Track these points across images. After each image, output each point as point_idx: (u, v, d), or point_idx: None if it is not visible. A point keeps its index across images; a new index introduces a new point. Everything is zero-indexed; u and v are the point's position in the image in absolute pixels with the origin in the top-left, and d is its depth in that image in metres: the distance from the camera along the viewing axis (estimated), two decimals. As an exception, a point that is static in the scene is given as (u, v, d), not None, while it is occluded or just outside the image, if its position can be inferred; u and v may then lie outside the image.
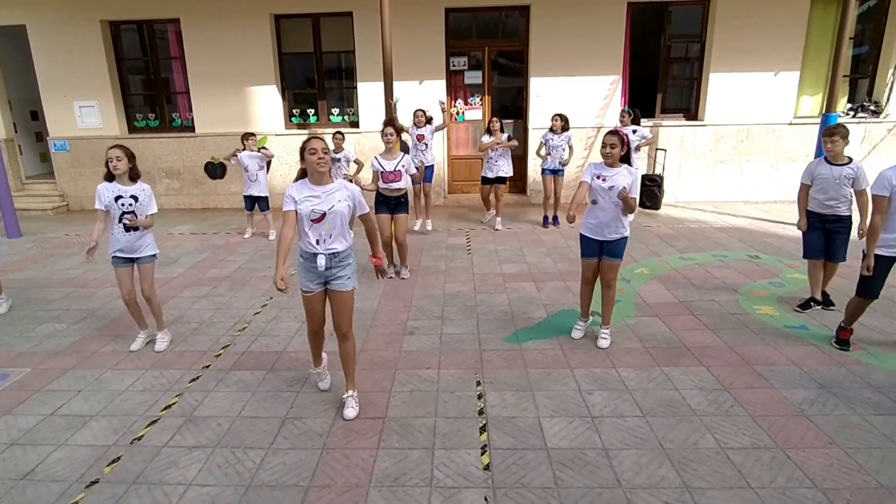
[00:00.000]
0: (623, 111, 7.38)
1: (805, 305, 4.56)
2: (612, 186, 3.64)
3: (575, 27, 8.46)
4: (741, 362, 3.69)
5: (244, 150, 7.06)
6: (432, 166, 7.44)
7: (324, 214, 2.94)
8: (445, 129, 8.29)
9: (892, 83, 8.42)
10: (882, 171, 3.56)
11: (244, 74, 8.98)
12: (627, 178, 3.66)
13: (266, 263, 6.20)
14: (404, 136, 7.07)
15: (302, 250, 3.06)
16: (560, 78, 8.68)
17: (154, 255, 4.02)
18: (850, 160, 4.31)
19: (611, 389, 3.38)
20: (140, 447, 2.91)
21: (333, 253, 3.00)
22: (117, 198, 3.78)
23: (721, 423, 3.02)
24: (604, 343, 3.95)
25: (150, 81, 9.56)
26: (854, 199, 4.26)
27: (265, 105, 9.13)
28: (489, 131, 7.24)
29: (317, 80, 9.33)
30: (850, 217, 4.31)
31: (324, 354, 3.43)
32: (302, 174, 3.05)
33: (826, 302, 4.61)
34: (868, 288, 3.69)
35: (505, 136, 7.24)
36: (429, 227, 7.47)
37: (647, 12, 8.77)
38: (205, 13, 8.74)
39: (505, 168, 7.30)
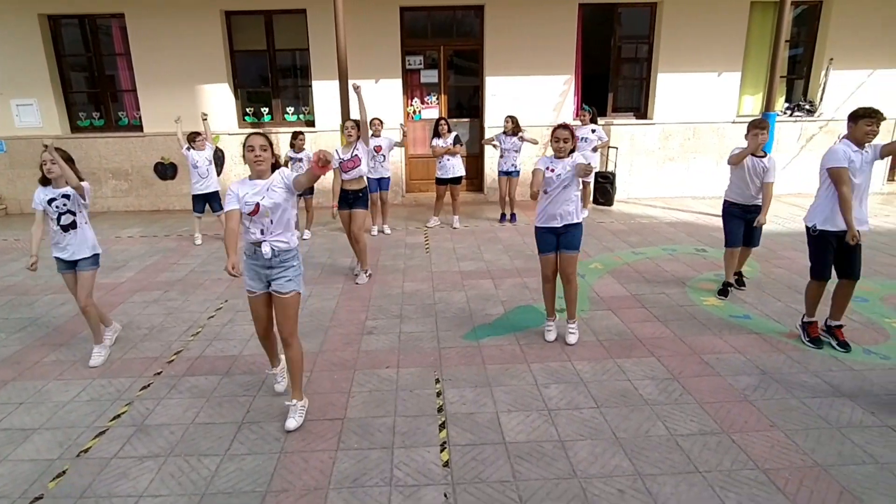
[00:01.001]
0: (582, 109, 7.56)
1: (724, 291, 4.81)
2: (560, 174, 3.73)
3: (528, 27, 8.59)
4: (689, 352, 3.84)
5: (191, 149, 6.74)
6: (388, 178, 7.39)
7: (257, 205, 2.87)
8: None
9: (825, 84, 8.90)
10: (832, 147, 3.66)
11: (194, 72, 8.72)
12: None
13: (220, 265, 6.05)
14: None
15: (246, 245, 2.99)
16: (515, 77, 8.80)
17: (95, 258, 3.79)
18: (766, 154, 4.55)
19: (566, 382, 3.47)
20: (87, 460, 2.80)
21: (278, 248, 2.93)
22: (50, 201, 3.62)
23: (671, 411, 3.14)
24: (572, 339, 3.99)
25: (94, 79, 9.16)
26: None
27: (217, 104, 8.90)
28: (437, 133, 7.27)
29: (271, 79, 9.16)
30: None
31: (281, 356, 3.38)
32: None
33: (739, 283, 5.01)
34: (819, 270, 3.80)
35: (452, 136, 7.29)
36: (387, 231, 7.44)
37: (598, 13, 8.99)
38: (151, 8, 8.45)
39: (458, 168, 7.35)
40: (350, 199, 5.39)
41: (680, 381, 3.46)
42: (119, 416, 3.19)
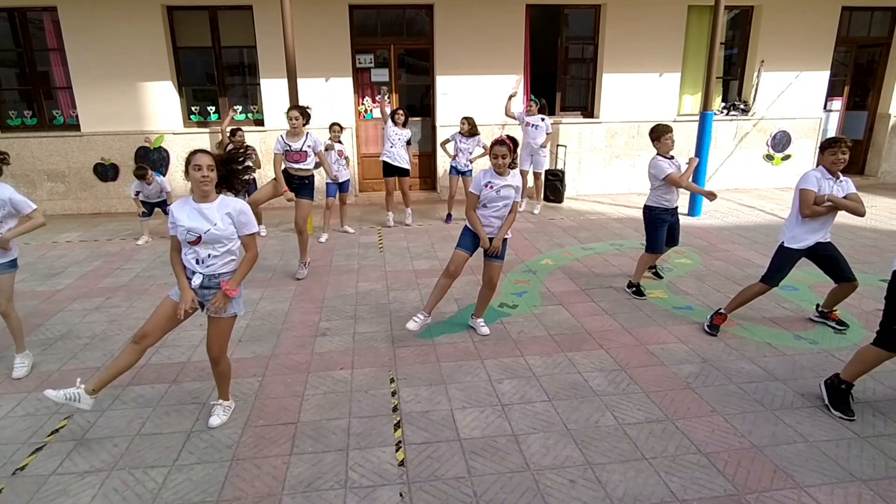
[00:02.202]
0: (530, 101, 7.69)
1: (639, 292, 4.87)
2: (500, 190, 3.78)
3: (477, 27, 8.67)
4: (636, 343, 3.99)
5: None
6: (349, 180, 7.32)
7: (199, 238, 2.76)
8: (354, 129, 8.24)
9: (757, 84, 9.38)
10: (807, 172, 3.86)
11: (135, 69, 8.36)
12: (514, 181, 3.82)
13: (167, 270, 5.85)
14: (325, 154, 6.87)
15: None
16: (465, 76, 8.86)
17: (12, 262, 3.54)
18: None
19: (519, 377, 3.54)
20: (23, 478, 2.67)
21: (212, 275, 2.84)
22: None
23: (619, 401, 3.26)
24: (485, 330, 4.15)
25: (26, 75, 8.66)
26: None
27: (160, 102, 8.57)
28: (393, 122, 7.27)
29: (217, 76, 8.90)
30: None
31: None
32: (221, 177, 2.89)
33: (657, 274, 5.32)
34: (774, 276, 3.98)
35: (406, 131, 7.34)
36: (350, 230, 7.36)
37: (545, 14, 9.16)
38: (85, 1, 8.05)
39: (404, 159, 7.34)
40: (294, 184, 5.30)
41: (627, 371, 3.59)
42: (57, 430, 3.05)
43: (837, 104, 10.16)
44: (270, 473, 2.66)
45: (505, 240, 3.93)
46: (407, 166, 7.43)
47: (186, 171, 2.79)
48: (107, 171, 8.75)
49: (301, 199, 5.33)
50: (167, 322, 2.90)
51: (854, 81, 10.24)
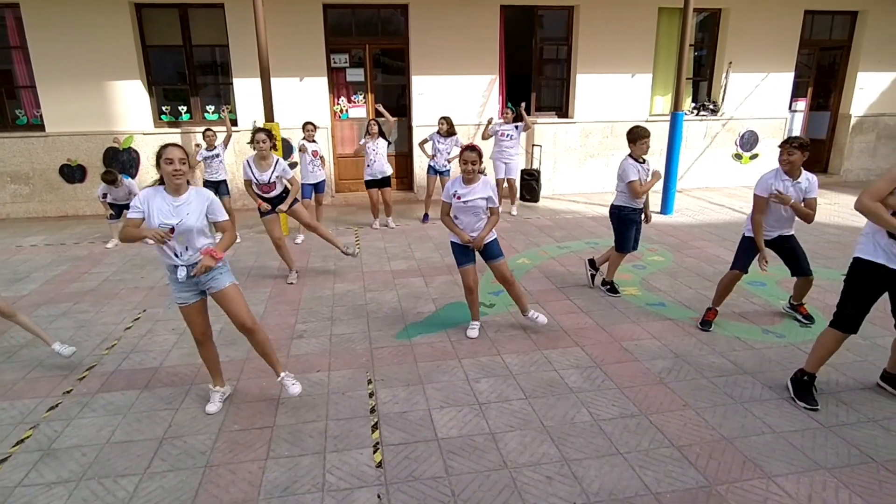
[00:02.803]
0: (505, 108, 7.72)
1: (613, 290, 4.91)
2: (468, 202, 3.81)
3: (452, 27, 8.68)
4: (610, 340, 4.05)
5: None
6: (324, 180, 7.25)
7: (173, 229, 2.80)
8: (329, 129, 8.19)
9: (726, 85, 9.60)
10: (763, 174, 4.00)
11: (102, 67, 8.16)
12: (484, 192, 3.82)
13: (137, 274, 5.73)
14: (295, 156, 6.79)
15: (165, 264, 2.93)
16: (441, 76, 8.88)
17: None
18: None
19: (496, 376, 3.56)
20: (-12, 489, 2.59)
21: (195, 263, 2.90)
22: None
23: (594, 397, 3.30)
24: (542, 320, 4.13)
25: (-15, 74, 8.39)
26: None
27: (130, 102, 8.38)
28: (368, 132, 7.22)
29: (188, 76, 8.74)
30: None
31: (222, 387, 3.30)
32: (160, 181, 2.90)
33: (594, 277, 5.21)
34: (738, 261, 4.12)
35: (381, 141, 7.28)
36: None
37: (520, 15, 9.22)
38: (49, -1, 7.84)
39: (385, 168, 7.32)
40: (273, 202, 5.26)
41: (602, 368, 3.64)
42: (23, 440, 2.96)
43: (802, 105, 10.46)
44: (246, 479, 2.63)
45: (493, 239, 3.96)
46: (388, 175, 7.38)
47: (158, 165, 2.82)
48: (73, 173, 8.52)
49: (294, 208, 5.32)
50: (196, 318, 3.02)
51: (817, 83, 10.55)
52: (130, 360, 3.85)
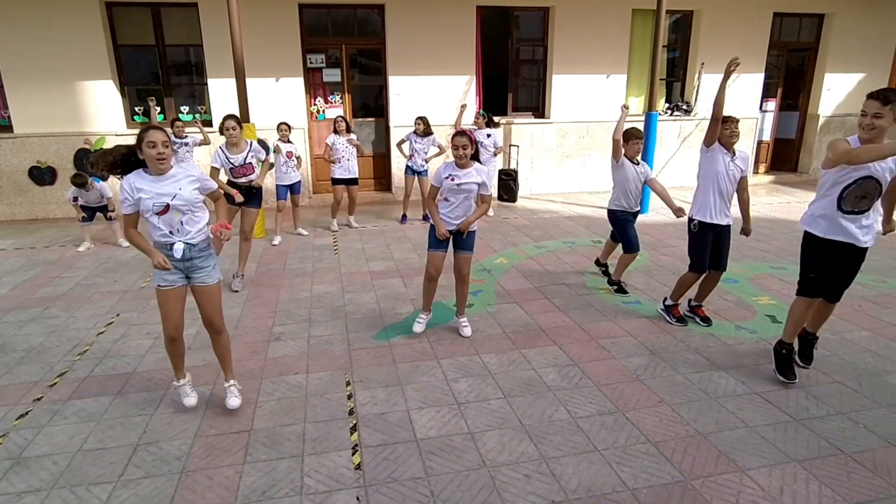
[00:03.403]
0: (478, 114, 7.75)
1: (621, 289, 4.98)
2: (461, 184, 3.83)
3: (429, 27, 8.69)
4: (588, 338, 4.10)
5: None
6: (300, 181, 7.18)
7: (167, 206, 2.78)
8: (306, 129, 8.12)
9: (699, 86, 9.78)
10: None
11: (73, 67, 7.98)
12: (477, 177, 3.85)
13: (111, 277, 5.61)
14: (271, 157, 6.69)
15: (155, 243, 2.88)
16: (418, 77, 8.87)
17: None
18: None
19: (475, 375, 3.57)
20: (-46, 501, 2.52)
21: (192, 244, 2.88)
22: None
23: (572, 395, 3.34)
24: (468, 331, 4.13)
25: (-52, 73, 8.13)
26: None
27: (101, 102, 8.21)
28: (335, 130, 7.17)
29: (161, 76, 8.59)
30: None
31: (187, 375, 3.24)
32: (123, 156, 2.82)
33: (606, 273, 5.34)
34: (698, 263, 4.14)
35: (353, 135, 7.28)
36: (304, 233, 7.24)
37: (496, 16, 9.27)
38: (14, -4, 7.64)
39: (355, 169, 7.29)
40: (242, 193, 5.15)
41: (580, 366, 3.68)
42: (-8, 449, 2.89)
43: (772, 105, 10.71)
44: (223, 484, 2.60)
45: (473, 232, 3.96)
46: (356, 175, 7.37)
47: (139, 149, 2.76)
48: (43, 175, 8.32)
49: (249, 208, 5.18)
50: (175, 307, 2.94)
51: (786, 84, 10.82)
52: (103, 365, 3.77)
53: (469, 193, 3.86)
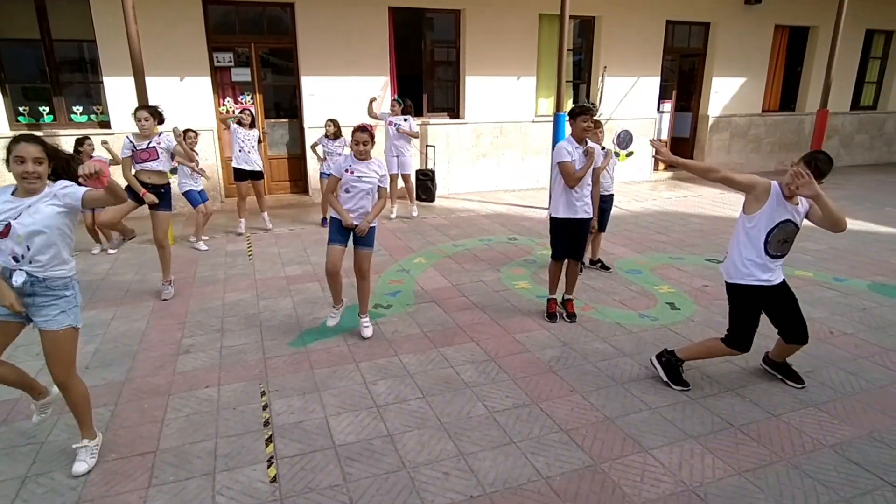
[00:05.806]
0: (393, 101, 7.75)
1: (604, 266, 5.58)
2: (361, 177, 3.84)
3: (341, 27, 8.56)
4: (504, 333, 4.21)
5: None
6: (203, 189, 6.85)
7: (7, 226, 2.33)
8: (215, 131, 7.77)
9: (602, 88, 10.31)
10: (558, 145, 4.17)
11: (-64, 63, 7.16)
12: (379, 170, 3.90)
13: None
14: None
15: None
16: (332, 77, 8.72)
17: None
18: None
19: (394, 377, 3.58)
20: None
21: (37, 277, 2.43)
22: None
23: (489, 390, 3.42)
24: (368, 332, 4.11)
25: None
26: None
27: (-25, 101, 7.42)
28: (239, 122, 6.95)
29: (49, 73, 7.88)
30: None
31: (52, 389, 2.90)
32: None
33: (603, 266, 5.66)
34: (558, 251, 4.31)
35: (254, 132, 7.11)
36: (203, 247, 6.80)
37: (409, 17, 9.29)
38: None
39: (257, 161, 7.08)
40: (159, 194, 4.85)
41: (496, 361, 3.78)
42: None
43: (668, 106, 11.47)
44: (125, 510, 2.44)
45: (373, 227, 3.95)
46: (260, 168, 7.16)
47: (7, 162, 2.38)
48: None
49: (158, 212, 4.87)
50: (3, 338, 2.54)
51: (680, 86, 11.64)
52: (-17, 393, 3.42)
53: (370, 185, 3.87)
